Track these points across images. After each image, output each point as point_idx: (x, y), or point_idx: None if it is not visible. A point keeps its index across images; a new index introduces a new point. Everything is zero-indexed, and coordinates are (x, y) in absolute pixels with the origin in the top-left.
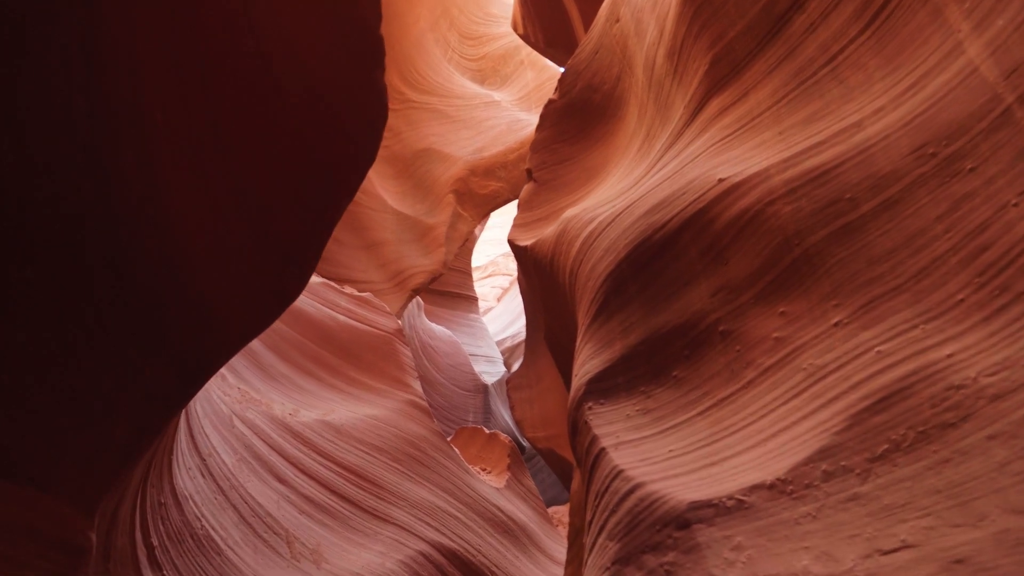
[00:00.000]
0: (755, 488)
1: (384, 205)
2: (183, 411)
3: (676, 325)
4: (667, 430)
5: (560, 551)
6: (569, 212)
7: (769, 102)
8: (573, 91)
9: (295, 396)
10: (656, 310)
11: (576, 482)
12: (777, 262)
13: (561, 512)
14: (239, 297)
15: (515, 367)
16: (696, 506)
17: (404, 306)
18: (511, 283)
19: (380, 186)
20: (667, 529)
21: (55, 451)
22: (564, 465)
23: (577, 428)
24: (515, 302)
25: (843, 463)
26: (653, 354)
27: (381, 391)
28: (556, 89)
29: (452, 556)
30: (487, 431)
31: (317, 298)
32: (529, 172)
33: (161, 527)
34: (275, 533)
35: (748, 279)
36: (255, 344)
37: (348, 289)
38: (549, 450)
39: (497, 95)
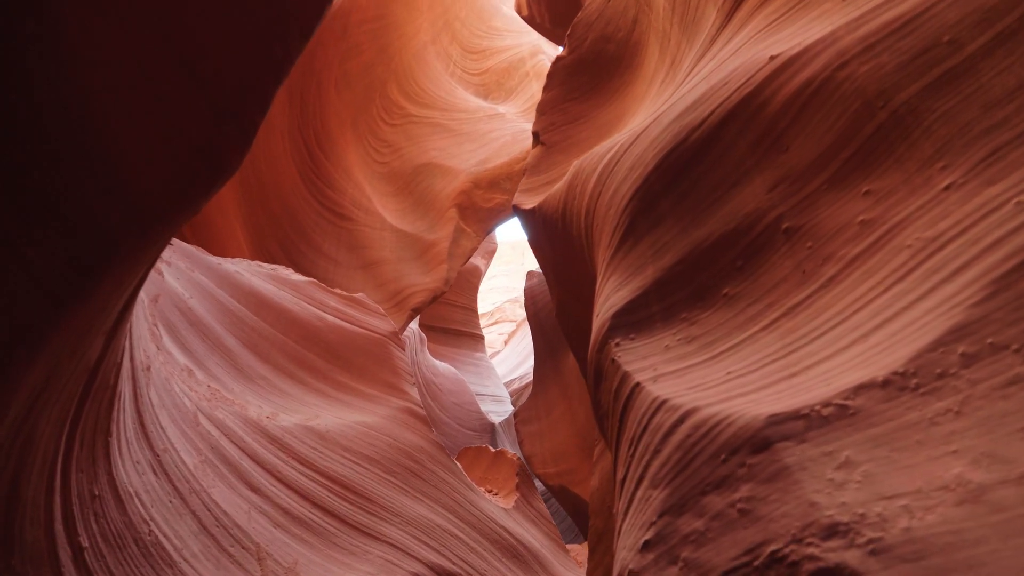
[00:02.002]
0: (861, 389)
1: (383, 223)
2: (131, 390)
3: (724, 234)
4: (721, 354)
5: None
6: (580, 159)
7: None
8: (584, 45)
9: (275, 399)
10: (697, 222)
11: (596, 478)
12: (855, 134)
13: (576, 551)
14: (156, 155)
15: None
16: (778, 420)
17: (404, 326)
18: (518, 326)
19: (379, 204)
20: (737, 456)
21: None
22: (578, 503)
23: (601, 372)
24: (522, 344)
25: (990, 340)
26: (696, 273)
27: (373, 397)
28: (565, 45)
29: None
30: (493, 450)
31: (303, 296)
32: (536, 135)
33: (94, 525)
34: (243, 547)
35: (817, 163)
36: (230, 341)
37: (338, 290)
38: (561, 487)
39: (501, 108)
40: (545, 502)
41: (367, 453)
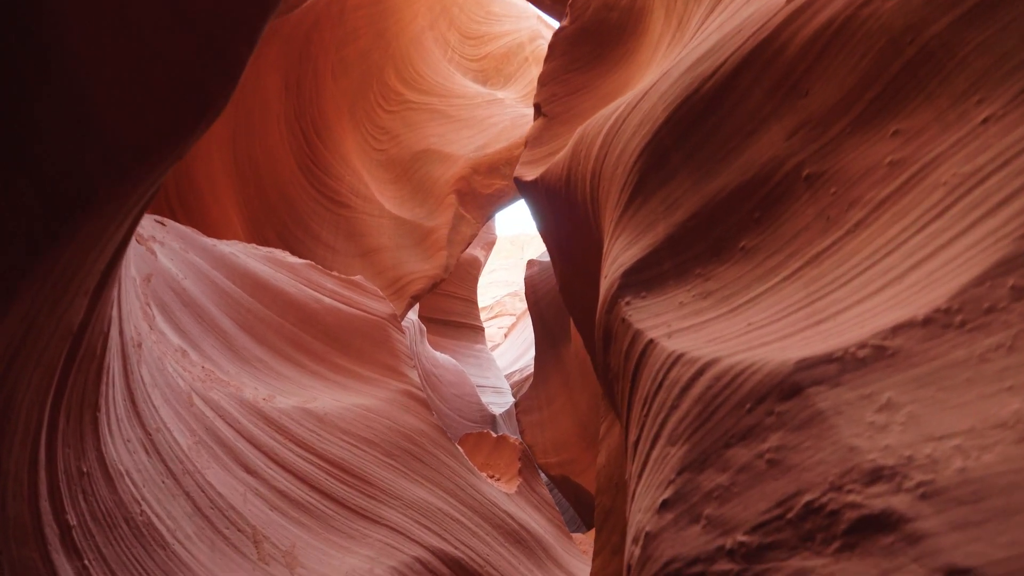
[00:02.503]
0: (900, 329)
1: (381, 210)
2: (121, 365)
3: (740, 186)
4: (740, 307)
5: (582, 568)
6: (584, 124)
7: None
8: (586, 14)
9: (271, 381)
10: (711, 175)
11: (602, 455)
12: (881, 73)
13: (579, 540)
14: (133, 91)
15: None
16: (808, 364)
17: (404, 314)
18: (517, 318)
19: (377, 191)
20: (764, 405)
21: None
22: (580, 493)
23: (610, 334)
24: (522, 336)
25: None
26: (711, 228)
27: (372, 380)
28: (566, 15)
29: (455, 565)
30: (494, 435)
31: (300, 278)
32: (537, 107)
33: (82, 503)
34: (239, 530)
35: (839, 106)
36: (225, 322)
37: (335, 273)
38: (563, 477)
39: (500, 94)
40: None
41: (366, 436)
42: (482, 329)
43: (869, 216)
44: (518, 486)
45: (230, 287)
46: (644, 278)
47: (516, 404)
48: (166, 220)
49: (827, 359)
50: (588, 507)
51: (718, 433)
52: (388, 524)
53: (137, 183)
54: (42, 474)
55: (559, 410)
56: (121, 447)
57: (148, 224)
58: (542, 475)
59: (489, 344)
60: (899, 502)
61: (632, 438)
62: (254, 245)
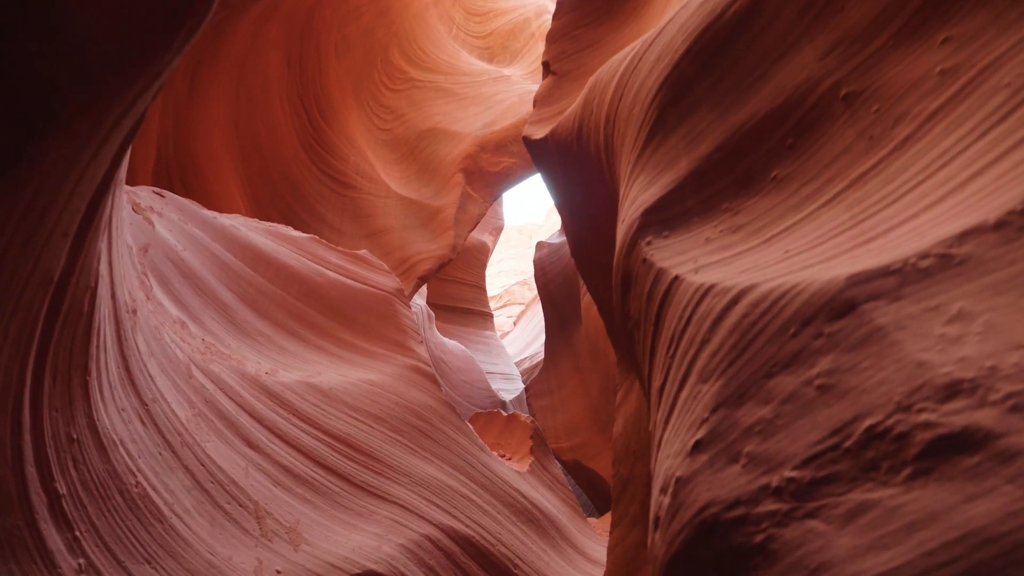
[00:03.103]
0: (968, 235)
1: (387, 191)
2: (114, 330)
3: (770, 112)
4: (774, 237)
5: (597, 549)
6: (596, 73)
7: None
8: None
9: (274, 356)
10: (737, 104)
11: (619, 423)
12: None
13: (593, 525)
14: None
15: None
16: (862, 278)
17: (411, 295)
18: (527, 306)
19: (383, 171)
20: (811, 327)
21: None
22: (592, 478)
23: (630, 278)
24: (531, 324)
25: None
26: (738, 159)
27: (378, 355)
28: None
29: (465, 543)
30: (505, 413)
31: (303, 252)
32: (546, 65)
33: (72, 471)
34: (240, 505)
35: (880, 18)
36: (226, 295)
37: (340, 248)
38: (575, 461)
39: (507, 71)
40: None
41: (372, 411)
42: (491, 315)
43: (919, 130)
44: (530, 465)
45: (231, 260)
46: (666, 216)
47: (526, 388)
48: (164, 192)
49: (883, 272)
50: (601, 493)
51: (758, 363)
52: (396, 501)
53: (111, 102)
54: (27, 437)
55: (570, 394)
56: (115, 415)
57: (146, 195)
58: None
59: (498, 333)
60: (984, 417)
61: (656, 384)
62: (256, 220)
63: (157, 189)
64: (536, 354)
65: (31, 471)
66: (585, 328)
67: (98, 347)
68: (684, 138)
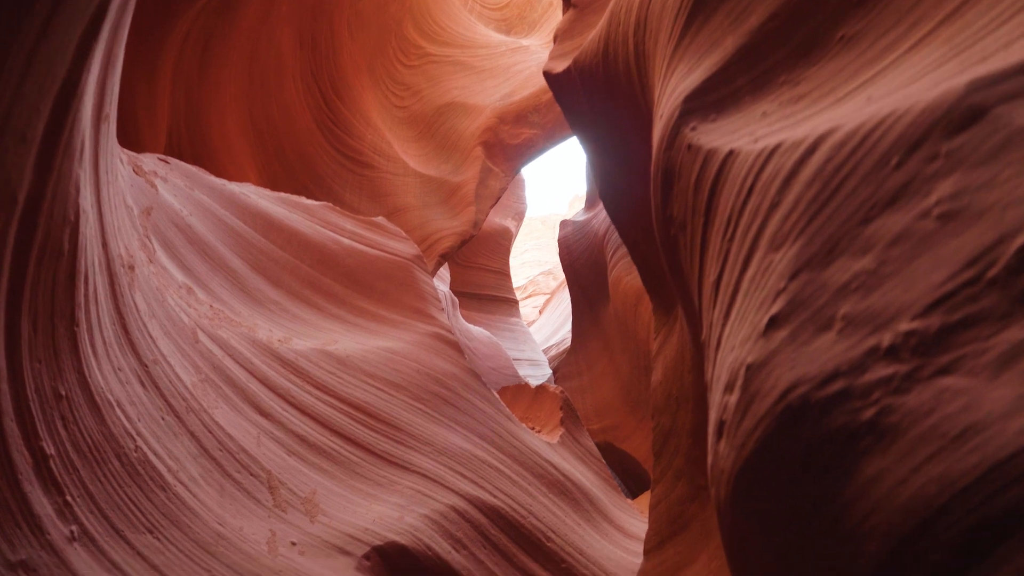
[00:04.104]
0: None
1: (406, 169)
2: (107, 282)
3: None
4: (853, 91)
5: (635, 524)
6: None
7: None
8: None
9: (288, 324)
10: None
11: (659, 371)
12: None
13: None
14: None
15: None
16: (989, 81)
17: (433, 275)
18: (552, 294)
19: (400, 149)
20: (924, 148)
21: None
22: (624, 459)
23: (672, 174)
24: (557, 311)
25: None
26: (797, 25)
27: (398, 323)
28: None
29: (493, 514)
30: (533, 384)
31: (316, 220)
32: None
33: (61, 431)
34: (252, 475)
35: None
36: (236, 263)
37: (355, 215)
38: (607, 443)
39: (525, 41)
40: None
41: (392, 379)
42: (516, 302)
43: None
44: (561, 437)
45: (241, 227)
46: (712, 100)
47: (554, 371)
48: (170, 159)
49: (1017, 70)
50: (634, 475)
51: (848, 210)
52: (418, 471)
53: None
54: (4, 387)
55: (600, 374)
56: (110, 374)
57: (150, 160)
58: None
59: (524, 322)
60: None
61: (710, 280)
62: (266, 189)
63: (162, 156)
64: (563, 341)
65: (11, 426)
66: (613, 305)
67: (87, 297)
68: (728, 15)
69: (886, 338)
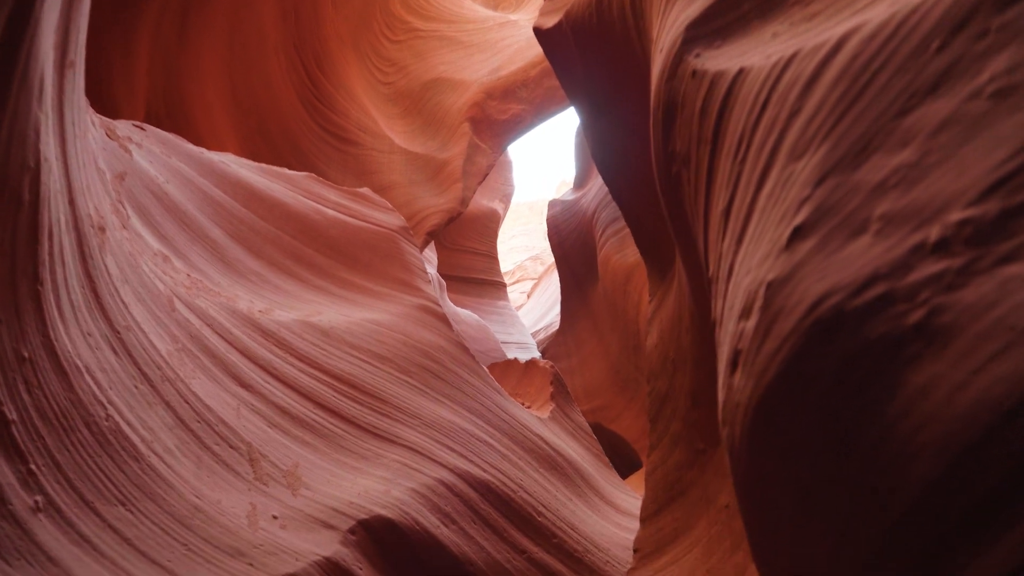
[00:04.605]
0: None
1: (391, 146)
2: (75, 242)
3: None
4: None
5: (626, 499)
6: None
7: None
8: None
9: (269, 295)
10: None
11: (654, 334)
12: None
13: None
14: None
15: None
16: None
17: (421, 251)
18: (540, 278)
19: (386, 126)
20: (970, 26)
21: None
22: (614, 440)
23: (674, 104)
24: (545, 294)
25: None
26: None
27: (383, 295)
28: None
29: (483, 488)
30: (523, 360)
31: (299, 190)
32: None
33: (24, 395)
34: (231, 447)
35: None
36: (215, 232)
37: (339, 186)
38: (596, 424)
39: (514, 16)
40: None
41: (378, 351)
42: (504, 285)
43: None
44: (551, 411)
45: (220, 195)
46: (717, 26)
47: (543, 352)
48: (145, 125)
49: None
50: (624, 456)
51: (882, 104)
52: (405, 444)
53: None
54: None
55: (589, 355)
56: (78, 339)
57: (124, 125)
58: None
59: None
60: None
61: (719, 208)
62: (247, 159)
63: (137, 123)
64: (551, 324)
65: None
66: (602, 284)
67: (52, 255)
68: None
69: (934, 232)
